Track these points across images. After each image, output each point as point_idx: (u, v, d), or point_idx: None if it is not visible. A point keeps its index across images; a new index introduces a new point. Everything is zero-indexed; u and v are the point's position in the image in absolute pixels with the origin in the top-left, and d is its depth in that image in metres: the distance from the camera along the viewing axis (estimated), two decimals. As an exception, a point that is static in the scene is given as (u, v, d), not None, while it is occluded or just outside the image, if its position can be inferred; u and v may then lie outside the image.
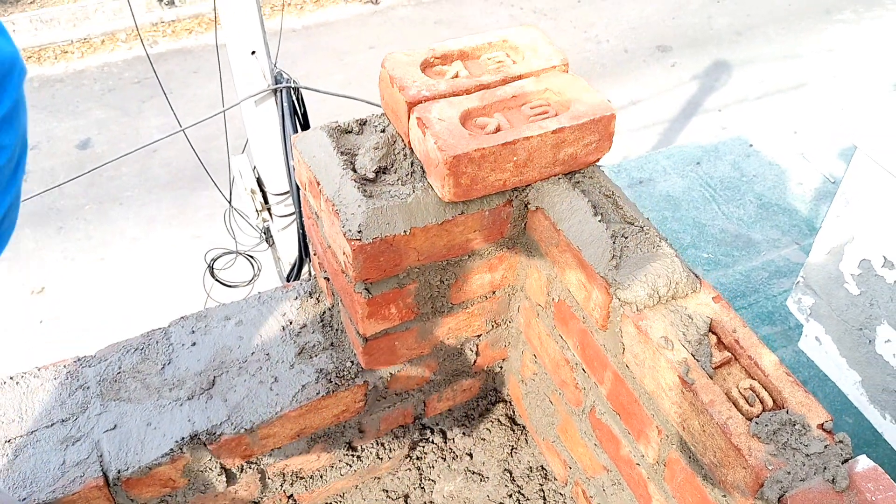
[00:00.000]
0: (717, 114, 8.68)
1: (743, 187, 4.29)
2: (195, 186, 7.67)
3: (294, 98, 4.07)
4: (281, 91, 4.00)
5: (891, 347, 2.50)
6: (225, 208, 5.20)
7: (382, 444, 1.93)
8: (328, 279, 1.78)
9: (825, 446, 1.14)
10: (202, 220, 7.41)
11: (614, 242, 1.41)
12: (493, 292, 1.76)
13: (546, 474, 2.00)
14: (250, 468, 1.71)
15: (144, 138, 8.10)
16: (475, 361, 1.93)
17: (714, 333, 1.31)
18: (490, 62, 1.58)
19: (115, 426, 1.57)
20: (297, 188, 4.21)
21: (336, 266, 1.62)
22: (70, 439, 1.55)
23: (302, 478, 1.84)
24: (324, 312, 1.83)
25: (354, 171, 1.53)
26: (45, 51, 9.77)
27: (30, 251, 7.26)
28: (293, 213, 4.53)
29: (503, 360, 2.00)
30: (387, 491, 1.98)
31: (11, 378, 1.66)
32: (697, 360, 1.25)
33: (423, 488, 1.98)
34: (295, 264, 4.72)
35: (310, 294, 1.88)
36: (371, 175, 1.52)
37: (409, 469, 2.01)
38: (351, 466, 1.90)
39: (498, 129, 1.44)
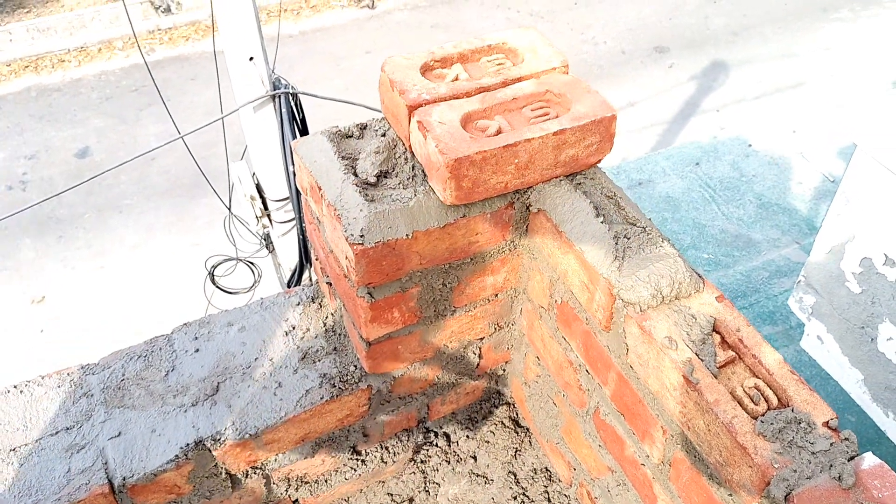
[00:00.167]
0: (715, 114, 8.69)
1: (742, 187, 4.30)
2: (194, 194, 7.68)
3: (293, 104, 4.08)
4: (279, 97, 4.01)
5: (893, 345, 2.51)
6: (224, 215, 5.20)
7: (386, 448, 1.93)
8: (330, 284, 1.78)
9: (831, 444, 1.15)
10: (202, 228, 7.41)
11: (617, 243, 1.41)
12: (496, 295, 1.77)
13: (550, 476, 2.00)
14: (255, 473, 1.71)
15: (142, 146, 8.11)
16: (478, 364, 1.93)
17: (718, 333, 1.32)
18: (490, 65, 1.59)
19: (120, 433, 1.57)
20: (297, 194, 4.21)
21: (338, 270, 1.62)
22: (75, 447, 1.55)
23: (307, 482, 1.84)
24: (326, 317, 1.83)
25: (356, 175, 1.54)
26: (42, 60, 9.78)
27: (30, 260, 7.26)
28: (293, 219, 4.54)
29: (506, 362, 2.00)
30: (391, 494, 1.98)
31: (15, 387, 1.66)
32: (702, 360, 1.26)
33: (427, 491, 1.98)
34: (295, 270, 4.72)
35: (312, 299, 1.88)
36: (372, 179, 1.52)
37: (414, 472, 2.01)
38: (355, 470, 1.90)
39: (499, 132, 1.44)
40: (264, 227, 4.75)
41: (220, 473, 1.64)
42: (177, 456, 1.54)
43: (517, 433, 2.06)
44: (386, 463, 1.93)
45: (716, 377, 1.24)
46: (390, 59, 1.57)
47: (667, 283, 1.34)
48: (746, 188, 4.30)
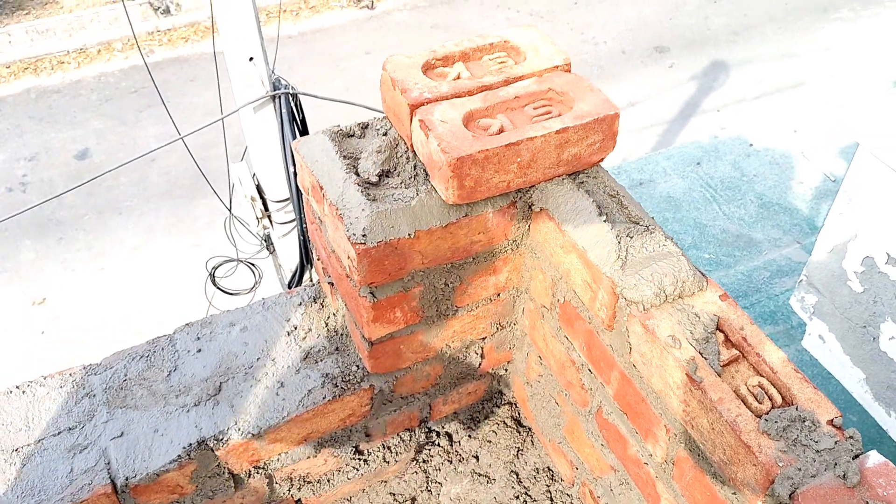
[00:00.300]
0: (715, 114, 8.70)
1: (743, 187, 4.30)
2: (194, 195, 7.68)
3: (293, 104, 4.08)
4: (280, 97, 4.00)
5: (895, 344, 2.50)
6: (225, 216, 5.20)
7: (389, 448, 1.93)
8: (332, 284, 1.78)
9: (835, 442, 1.14)
10: (202, 229, 7.41)
11: (619, 242, 1.41)
12: (498, 295, 1.76)
13: (553, 475, 1.99)
14: (258, 473, 1.71)
15: (142, 147, 8.11)
16: (480, 364, 1.93)
17: (721, 331, 1.31)
18: (492, 63, 1.58)
19: (122, 433, 1.57)
20: (298, 195, 4.21)
21: (340, 271, 1.61)
22: (77, 447, 1.55)
23: (309, 482, 1.84)
24: (328, 317, 1.83)
25: (357, 174, 1.53)
26: (42, 61, 9.78)
27: (30, 262, 7.26)
28: (294, 220, 4.54)
29: (508, 362, 2.00)
30: (394, 494, 1.97)
31: (17, 387, 1.66)
32: (705, 358, 1.25)
33: (429, 491, 1.97)
34: (296, 271, 4.72)
35: (314, 299, 1.88)
36: (374, 179, 1.52)
37: (416, 472, 2.00)
38: (358, 470, 1.89)
39: (501, 131, 1.44)
40: (265, 228, 4.75)
41: (223, 473, 1.63)
42: (179, 456, 1.54)
43: (519, 433, 2.06)
44: (388, 462, 1.93)
45: (719, 375, 1.24)
46: (392, 58, 1.56)
47: (670, 281, 1.34)
48: (747, 188, 4.29)
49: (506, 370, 2.03)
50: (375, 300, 1.54)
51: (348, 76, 9.33)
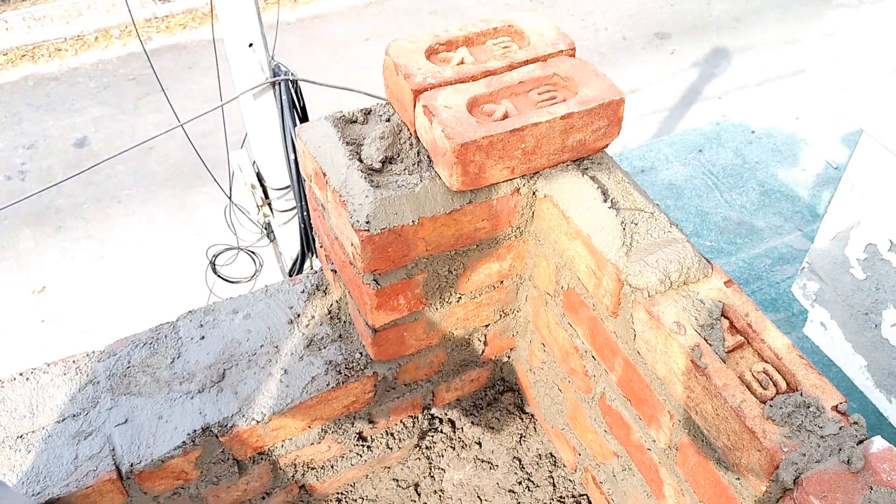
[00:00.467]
0: (717, 101, 8.67)
1: (745, 174, 4.29)
2: (193, 183, 7.67)
3: (293, 91, 4.06)
4: (280, 84, 3.99)
5: (896, 331, 2.51)
6: (225, 204, 5.19)
7: (392, 434, 1.93)
8: (335, 271, 1.78)
9: (840, 428, 1.14)
10: (202, 217, 7.40)
11: (624, 229, 1.41)
12: (501, 282, 1.76)
13: (555, 461, 2.00)
14: (262, 459, 1.72)
15: (141, 135, 8.09)
16: (483, 351, 1.93)
17: (726, 318, 1.31)
18: (496, 48, 1.57)
19: (127, 420, 1.57)
20: (299, 182, 4.20)
21: (344, 258, 1.61)
22: (82, 434, 1.55)
23: (313, 468, 1.84)
24: (331, 305, 1.83)
25: (360, 161, 1.53)
26: (39, 49, 9.74)
27: (29, 251, 7.26)
28: (294, 208, 4.53)
29: (511, 349, 2.00)
30: (397, 480, 1.98)
31: (21, 374, 1.66)
32: (710, 345, 1.25)
33: (432, 477, 1.98)
34: (297, 259, 4.72)
35: (317, 287, 1.87)
36: (377, 165, 1.51)
37: (419, 458, 2.01)
38: (361, 456, 1.90)
39: (505, 116, 1.44)
40: (265, 215, 4.75)
41: (228, 459, 1.64)
42: (184, 442, 1.54)
43: (522, 419, 2.06)
44: (391, 449, 1.94)
45: (724, 362, 1.24)
46: (395, 43, 1.55)
47: (675, 268, 1.34)
48: (749, 175, 4.29)
49: (509, 357, 2.03)
50: (379, 287, 1.54)
51: (348, 62, 9.30)
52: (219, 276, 5.31)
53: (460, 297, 1.72)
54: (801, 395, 1.18)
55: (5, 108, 8.76)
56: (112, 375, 1.66)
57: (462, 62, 1.54)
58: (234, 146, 5.09)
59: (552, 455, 2.01)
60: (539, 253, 1.68)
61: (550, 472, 1.98)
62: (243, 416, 1.60)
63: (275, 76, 4.03)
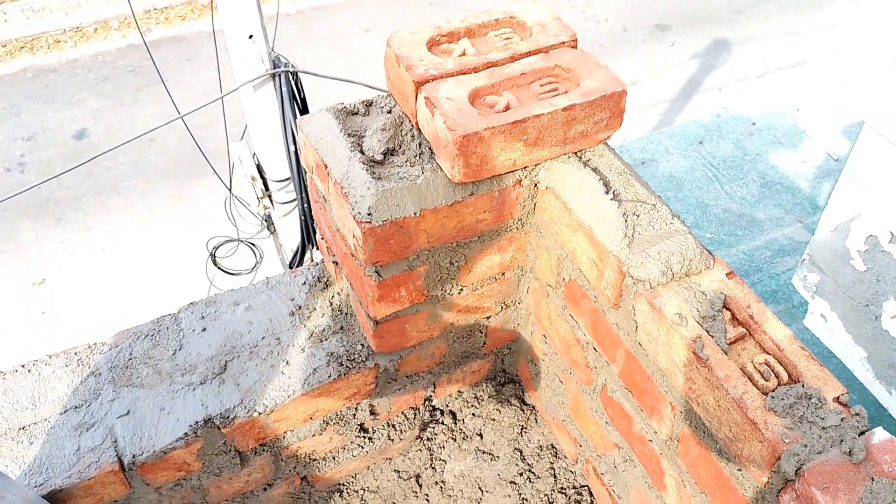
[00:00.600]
0: (717, 93, 8.66)
1: (746, 166, 4.29)
2: (193, 175, 7.66)
3: (293, 83, 4.05)
4: (280, 75, 3.98)
5: (897, 322, 2.51)
6: (225, 196, 5.19)
7: (393, 426, 1.94)
8: (337, 263, 1.78)
9: (841, 419, 1.15)
10: (202, 209, 7.39)
11: (626, 220, 1.41)
12: (503, 273, 1.76)
13: (556, 453, 2.00)
14: (264, 451, 1.72)
15: (140, 127, 8.07)
16: (484, 343, 1.93)
17: (728, 309, 1.31)
18: (497, 39, 1.57)
19: (129, 412, 1.58)
20: (299, 174, 4.20)
21: (345, 249, 1.61)
22: (84, 425, 1.55)
23: (315, 459, 1.85)
24: (333, 296, 1.83)
25: (362, 153, 1.53)
26: (38, 41, 9.70)
27: (29, 243, 7.25)
28: (294, 200, 4.52)
29: (512, 341, 2.00)
30: (398, 471, 1.98)
31: (23, 366, 1.66)
32: (712, 336, 1.25)
33: (434, 468, 1.98)
34: (297, 251, 4.72)
35: (318, 279, 1.87)
36: (379, 157, 1.51)
37: (420, 450, 2.01)
38: (363, 448, 1.90)
39: (507, 108, 1.43)
40: (265, 207, 4.74)
41: (229, 451, 1.64)
42: (186, 434, 1.55)
43: (523, 411, 2.07)
44: (393, 440, 1.94)
45: (726, 353, 1.24)
46: (396, 34, 1.55)
47: (677, 259, 1.34)
48: (750, 167, 4.29)
49: (510, 349, 2.03)
50: (381, 279, 1.54)
51: (348, 55, 9.27)
52: (219, 267, 5.31)
53: (462, 289, 1.72)
54: (803, 386, 1.18)
55: (4, 100, 8.74)
56: (114, 367, 1.66)
57: (464, 53, 1.53)
58: (234, 138, 5.08)
59: (553, 446, 2.01)
60: (540, 245, 1.68)
61: (551, 463, 1.98)
62: (245, 407, 1.60)
63: (275, 68, 4.02)
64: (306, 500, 1.95)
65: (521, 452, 2.00)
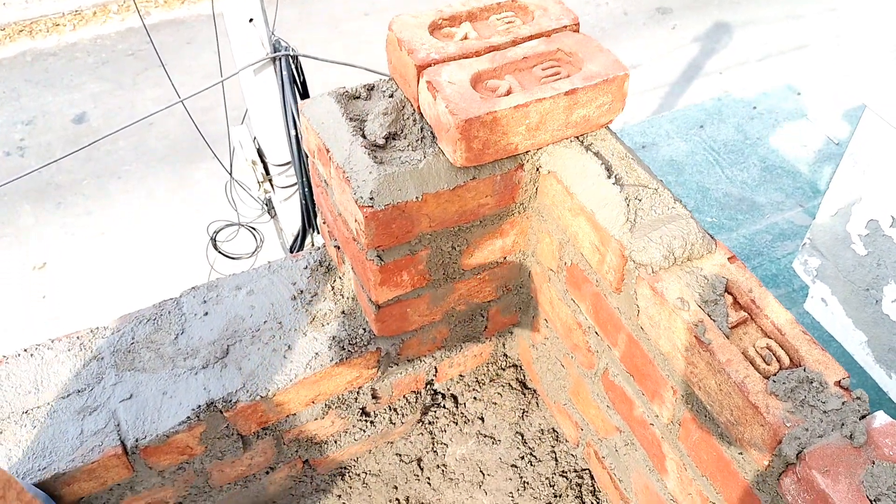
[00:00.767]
0: (718, 76, 8.63)
1: (747, 150, 4.28)
2: (193, 159, 7.64)
3: (293, 66, 4.03)
4: (280, 59, 3.96)
5: (897, 307, 2.51)
6: (225, 180, 5.18)
7: (395, 410, 1.94)
8: (338, 247, 1.78)
9: (842, 403, 1.15)
10: (202, 193, 7.39)
11: (628, 205, 1.41)
12: (505, 258, 1.76)
13: (557, 436, 2.01)
14: (266, 434, 1.73)
15: (140, 111, 8.05)
16: (486, 327, 1.94)
17: (730, 294, 1.31)
18: (499, 23, 1.56)
19: (131, 396, 1.58)
20: (300, 158, 4.19)
21: (347, 234, 1.61)
22: (87, 409, 1.56)
23: (317, 443, 1.86)
24: (334, 281, 1.83)
25: (364, 137, 1.52)
26: (37, 24, 9.66)
27: (29, 227, 7.25)
28: (295, 184, 4.52)
29: (514, 325, 2.00)
30: (400, 455, 1.99)
31: (26, 350, 1.66)
32: (714, 321, 1.26)
33: (435, 451, 1.99)
34: (298, 235, 4.72)
35: (320, 263, 1.88)
36: (381, 141, 1.51)
37: (422, 433, 2.02)
38: (364, 431, 1.91)
39: (509, 92, 1.43)
40: (266, 192, 4.74)
41: (232, 435, 1.65)
42: (189, 418, 1.55)
43: (524, 395, 2.07)
44: (394, 424, 1.95)
45: (728, 338, 1.24)
46: (398, 18, 1.54)
47: (679, 244, 1.34)
48: (751, 151, 4.28)
49: (511, 333, 2.03)
50: (383, 263, 1.54)
51: (347, 37, 9.23)
52: (220, 252, 5.31)
53: (463, 273, 1.72)
54: (804, 370, 1.19)
55: (3, 84, 8.71)
56: (116, 351, 1.67)
57: (466, 37, 1.53)
58: (234, 122, 5.07)
59: (554, 430, 2.02)
60: (542, 229, 1.68)
61: (553, 447, 1.99)
62: (247, 391, 1.61)
63: (275, 52, 4.00)
64: (308, 484, 1.96)
65: (522, 436, 2.01)
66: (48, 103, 8.45)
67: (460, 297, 1.78)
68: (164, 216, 7.32)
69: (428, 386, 1.99)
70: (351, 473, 1.98)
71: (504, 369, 2.10)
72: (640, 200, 1.42)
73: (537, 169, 1.57)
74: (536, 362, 1.99)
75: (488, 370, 2.08)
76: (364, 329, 1.74)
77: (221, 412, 1.59)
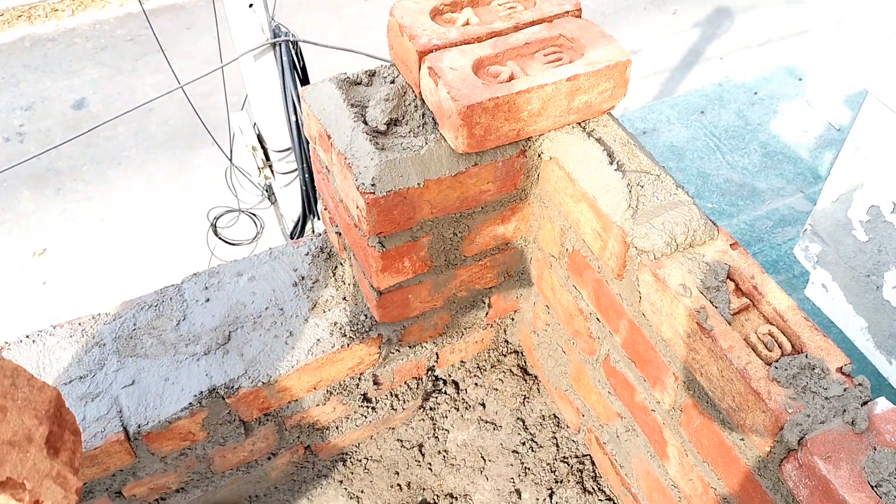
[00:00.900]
0: (719, 62, 8.59)
1: (747, 136, 4.27)
2: (193, 145, 7.62)
3: (293, 52, 4.01)
4: (280, 45, 3.94)
5: (898, 293, 2.51)
6: (225, 166, 5.17)
7: (396, 396, 1.95)
8: (340, 234, 1.78)
9: (844, 389, 1.15)
10: (202, 179, 7.37)
11: (630, 191, 1.40)
12: (506, 244, 1.76)
13: (559, 422, 2.02)
14: (268, 420, 1.73)
15: (139, 97, 8.02)
16: (487, 313, 1.94)
17: (732, 280, 1.31)
18: (501, 8, 1.55)
19: (134, 382, 1.58)
20: (300, 144, 4.18)
21: (349, 220, 1.61)
22: (89, 395, 1.56)
23: (318, 429, 1.86)
24: (336, 267, 1.83)
25: (365, 123, 1.52)
26: (36, 9, 9.60)
27: (29, 213, 7.24)
28: (295, 170, 4.51)
29: (515, 311, 2.01)
30: (401, 441, 2.00)
31: (28, 336, 1.66)
32: (716, 307, 1.26)
33: (436, 437, 2.00)
34: (298, 221, 4.71)
35: (321, 249, 1.87)
36: (382, 127, 1.50)
37: (423, 419, 2.03)
38: (366, 417, 1.92)
39: (511, 78, 1.42)
40: (266, 178, 4.72)
41: (234, 421, 1.65)
42: (191, 404, 1.56)
43: (525, 381, 2.08)
44: (396, 410, 1.95)
45: (730, 324, 1.24)
46: (399, 4, 1.53)
47: (681, 230, 1.34)
48: (751, 137, 4.27)
49: (513, 319, 2.04)
50: (384, 250, 1.54)
51: (346, 22, 9.19)
52: (220, 238, 5.31)
53: (465, 260, 1.72)
54: (806, 356, 1.19)
55: (2, 70, 8.67)
56: (118, 338, 1.67)
57: (467, 23, 1.52)
58: (234, 108, 5.05)
59: (555, 416, 2.03)
60: (544, 215, 1.68)
61: (554, 432, 2.00)
62: (249, 377, 1.61)
63: (275, 37, 3.98)
64: (310, 469, 1.97)
65: (523, 422, 2.02)
66: (47, 89, 8.42)
67: (462, 283, 1.78)
68: (164, 202, 7.31)
69: (429, 372, 1.99)
70: (352, 459, 1.99)
71: (505, 355, 2.10)
72: (642, 187, 1.42)
73: (539, 155, 1.57)
74: (538, 348, 1.99)
75: (489, 356, 2.09)
76: (365, 315, 1.74)
77: (223, 398, 1.59)
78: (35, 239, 7.07)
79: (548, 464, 1.95)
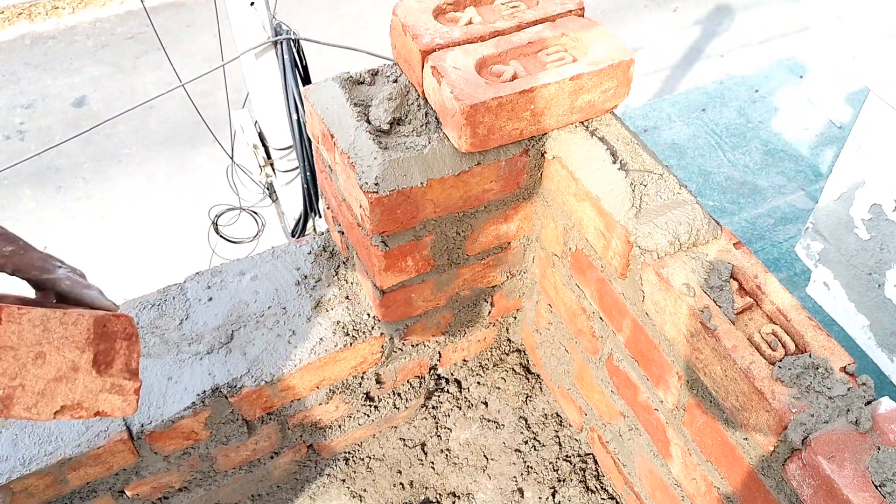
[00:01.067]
0: (720, 59, 8.58)
1: (749, 134, 4.26)
2: (194, 143, 7.62)
3: (295, 50, 4.01)
4: (281, 43, 3.94)
5: (900, 291, 2.51)
6: (226, 164, 5.16)
7: (399, 395, 1.95)
8: (342, 233, 1.78)
9: (848, 389, 1.15)
10: (203, 177, 7.37)
11: (633, 190, 1.40)
12: (509, 243, 1.76)
13: (561, 421, 2.02)
14: (271, 419, 1.73)
15: (140, 95, 8.01)
16: (490, 312, 1.94)
17: (735, 279, 1.31)
18: (504, 7, 1.55)
19: (137, 381, 1.58)
20: (301, 142, 4.18)
21: (351, 219, 1.61)
22: (93, 395, 1.56)
23: (321, 428, 1.86)
24: (338, 266, 1.83)
25: (368, 122, 1.52)
26: (36, 7, 9.59)
27: (30, 211, 7.24)
28: (296, 168, 4.50)
29: (518, 310, 2.01)
30: (404, 439, 2.00)
31: (31, 336, 1.66)
32: (719, 306, 1.26)
33: (439, 436, 2.00)
34: (299, 220, 4.71)
35: (323, 248, 1.87)
36: (385, 126, 1.50)
37: (426, 418, 2.03)
38: (369, 416, 1.92)
39: (514, 77, 1.42)
40: (267, 176, 4.72)
41: (237, 420, 1.65)
42: (194, 403, 1.56)
43: (528, 379, 2.08)
44: (398, 409, 1.96)
45: (733, 323, 1.24)
46: (402, 3, 1.53)
47: (684, 229, 1.34)
48: (752, 134, 4.26)
49: (515, 318, 2.04)
50: (387, 249, 1.54)
51: (346, 20, 9.18)
52: (221, 236, 5.31)
53: (468, 259, 1.72)
54: (810, 356, 1.19)
55: (3, 68, 8.66)
56: (121, 337, 1.67)
57: (470, 22, 1.52)
58: (235, 106, 5.04)
59: (558, 415, 2.03)
60: (547, 214, 1.68)
61: (556, 431, 2.00)
62: (252, 376, 1.61)
63: (276, 35, 3.97)
64: (312, 468, 1.97)
65: (525, 421, 2.02)
66: (48, 87, 8.41)
67: (465, 282, 1.78)
68: (164, 200, 7.31)
69: (432, 371, 2.00)
70: (355, 458, 1.99)
71: (508, 354, 2.10)
72: (645, 186, 1.42)
73: (542, 154, 1.57)
74: (540, 347, 2.00)
75: (492, 355, 2.09)
76: (368, 314, 1.74)
77: (226, 397, 1.59)
78: (35, 237, 7.06)
79: (550, 463, 1.95)
